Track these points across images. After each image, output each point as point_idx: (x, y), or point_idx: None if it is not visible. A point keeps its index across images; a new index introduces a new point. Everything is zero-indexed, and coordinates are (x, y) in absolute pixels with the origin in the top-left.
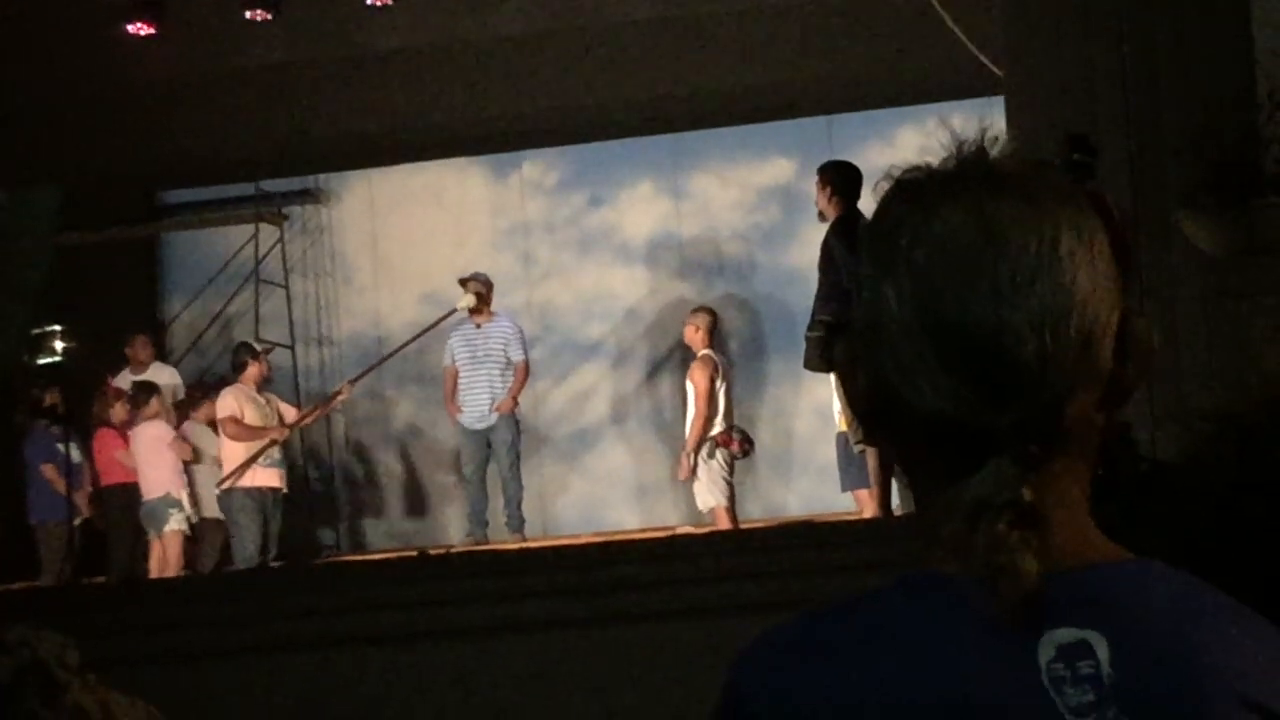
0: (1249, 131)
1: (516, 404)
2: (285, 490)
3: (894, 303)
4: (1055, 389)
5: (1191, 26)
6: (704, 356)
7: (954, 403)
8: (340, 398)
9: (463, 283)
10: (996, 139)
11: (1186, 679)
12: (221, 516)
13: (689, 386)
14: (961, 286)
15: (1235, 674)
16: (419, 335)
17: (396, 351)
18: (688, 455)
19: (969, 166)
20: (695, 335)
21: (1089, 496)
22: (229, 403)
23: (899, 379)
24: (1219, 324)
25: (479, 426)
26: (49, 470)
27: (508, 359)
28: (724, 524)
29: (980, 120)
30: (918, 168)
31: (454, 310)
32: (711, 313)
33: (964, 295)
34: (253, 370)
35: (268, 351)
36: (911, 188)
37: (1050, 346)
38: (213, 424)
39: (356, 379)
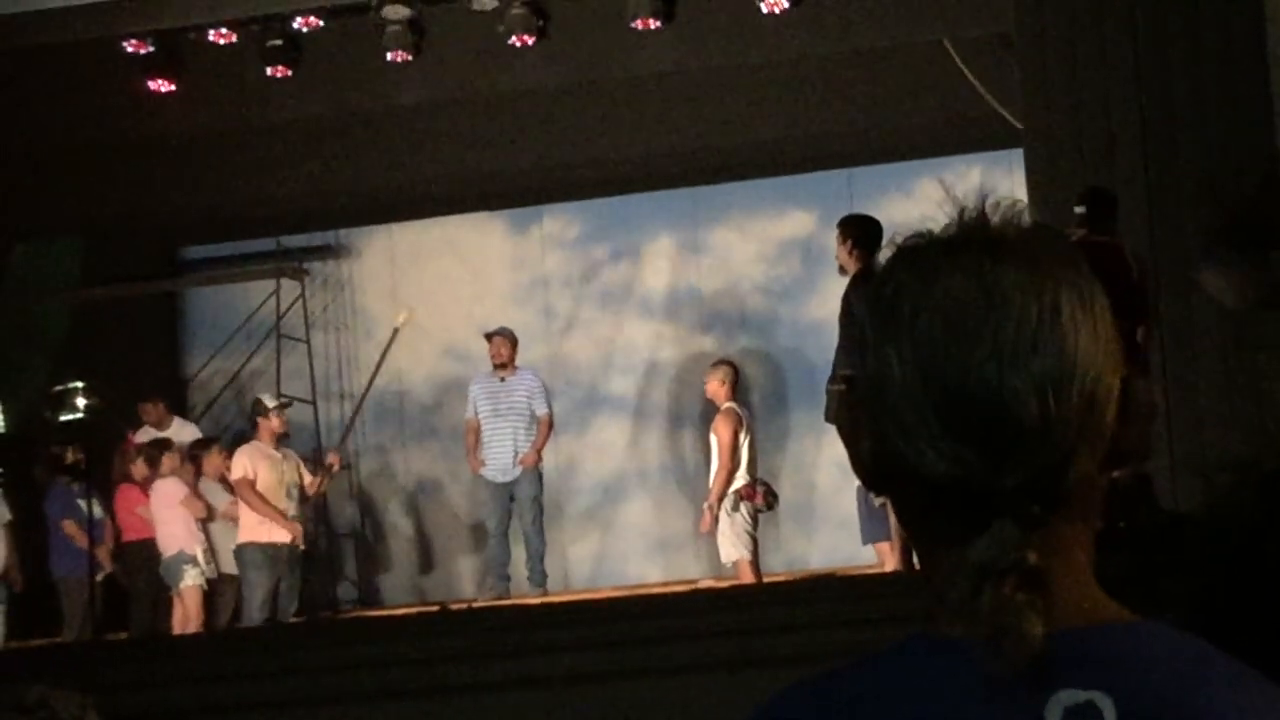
0: (1267, 184)
1: (540, 458)
2: (302, 546)
3: (896, 367)
4: (1058, 452)
5: (1210, 80)
6: (728, 409)
7: (956, 465)
8: (334, 469)
9: (488, 337)
10: (998, 204)
11: None
12: (237, 572)
13: (713, 439)
14: (963, 351)
15: None
16: (376, 370)
17: (365, 394)
18: (711, 508)
19: (970, 232)
20: (719, 389)
21: (1092, 556)
22: (242, 463)
23: (901, 442)
24: (1238, 375)
25: (502, 480)
26: (70, 526)
27: (531, 412)
28: (747, 577)
29: (985, 181)
30: (919, 234)
31: (396, 331)
32: (733, 366)
33: (966, 360)
34: (268, 426)
35: (285, 406)
36: (913, 254)
37: (1053, 410)
38: (223, 480)
39: (342, 438)
